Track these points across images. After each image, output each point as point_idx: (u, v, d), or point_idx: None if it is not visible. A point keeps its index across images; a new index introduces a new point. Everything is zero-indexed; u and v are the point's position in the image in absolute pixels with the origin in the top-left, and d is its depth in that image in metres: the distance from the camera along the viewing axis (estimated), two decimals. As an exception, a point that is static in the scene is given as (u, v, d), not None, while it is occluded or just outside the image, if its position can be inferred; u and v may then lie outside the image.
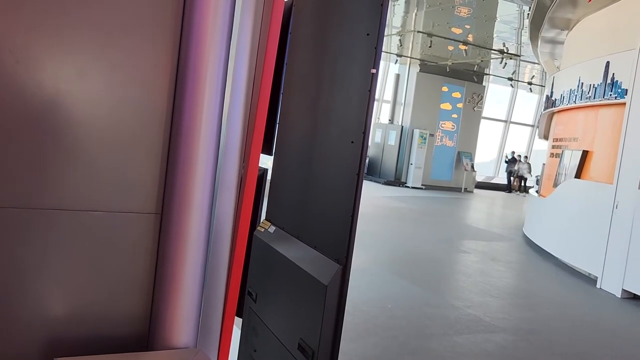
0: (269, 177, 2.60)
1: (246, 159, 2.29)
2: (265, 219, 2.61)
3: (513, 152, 21.46)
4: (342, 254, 1.89)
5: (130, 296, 1.85)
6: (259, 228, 2.53)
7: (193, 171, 1.75)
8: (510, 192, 21.25)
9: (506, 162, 21.77)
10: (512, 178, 21.38)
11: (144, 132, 1.81)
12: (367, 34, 1.89)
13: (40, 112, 1.67)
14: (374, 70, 1.83)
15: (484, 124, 21.62)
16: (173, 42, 1.81)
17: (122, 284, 1.84)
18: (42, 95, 1.67)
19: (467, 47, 16.95)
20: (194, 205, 1.77)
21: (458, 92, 20.04)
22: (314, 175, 2.24)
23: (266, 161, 2.58)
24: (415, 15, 14.96)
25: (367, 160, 21.15)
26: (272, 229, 2.48)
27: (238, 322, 2.59)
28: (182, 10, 1.80)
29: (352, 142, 1.91)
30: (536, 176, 20.12)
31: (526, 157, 21.70)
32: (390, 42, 18.82)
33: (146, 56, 1.79)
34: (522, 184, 21.11)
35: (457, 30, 15.83)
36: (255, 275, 2.49)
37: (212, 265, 2.16)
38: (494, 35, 15.88)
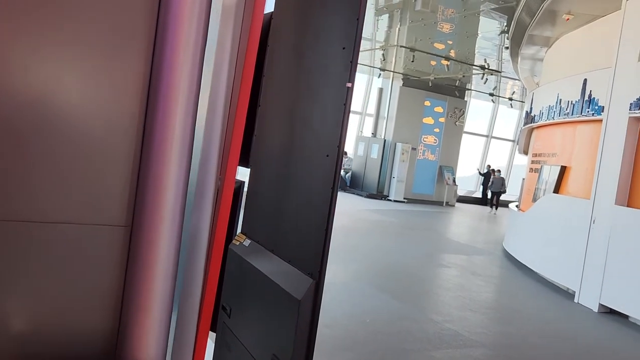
0: (245, 189, 2.58)
1: (223, 170, 2.27)
2: (241, 232, 2.58)
3: (489, 166, 21.18)
4: (315, 269, 1.87)
5: (98, 311, 1.81)
6: (234, 241, 2.50)
7: (164, 183, 1.72)
8: (487, 205, 20.87)
9: (481, 174, 21.52)
10: (487, 192, 20.59)
11: (115, 144, 1.77)
12: (343, 48, 1.89)
13: (10, 122, 1.63)
14: (349, 84, 1.82)
15: (465, 139, 21.79)
16: (146, 53, 1.78)
17: (89, 298, 1.79)
18: (11, 105, 1.63)
19: (449, 63, 17.18)
20: (165, 218, 1.73)
21: (440, 107, 20.23)
22: (289, 188, 2.22)
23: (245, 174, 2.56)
24: (399, 30, 15.14)
25: (349, 174, 21.02)
26: (247, 242, 2.45)
27: (213, 336, 2.54)
28: (156, 20, 1.78)
29: (327, 155, 1.90)
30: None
31: (499, 170, 20.50)
32: (373, 56, 18.99)
33: (119, 68, 1.77)
34: (495, 200, 19.61)
35: (440, 46, 16.07)
36: (230, 289, 2.45)
37: (186, 279, 2.12)
38: (476, 51, 16.15)
